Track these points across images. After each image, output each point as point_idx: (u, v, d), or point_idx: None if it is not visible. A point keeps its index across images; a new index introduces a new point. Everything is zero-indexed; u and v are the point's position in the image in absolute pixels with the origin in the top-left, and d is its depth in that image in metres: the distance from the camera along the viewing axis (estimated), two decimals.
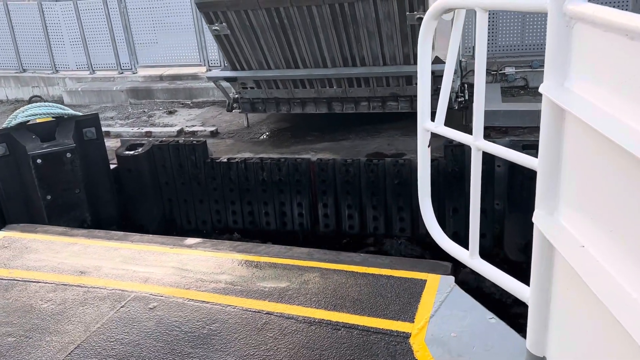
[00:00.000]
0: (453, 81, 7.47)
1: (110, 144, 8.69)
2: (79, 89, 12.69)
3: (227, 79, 8.63)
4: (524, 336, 2.27)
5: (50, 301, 4.19)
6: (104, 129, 9.10)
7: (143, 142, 7.73)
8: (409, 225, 6.82)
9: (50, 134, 6.55)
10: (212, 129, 9.30)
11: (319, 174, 7.01)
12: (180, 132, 9.45)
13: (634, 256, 1.30)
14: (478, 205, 2.31)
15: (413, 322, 3.55)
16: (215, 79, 8.86)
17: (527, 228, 2.04)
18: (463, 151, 6.22)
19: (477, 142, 2.21)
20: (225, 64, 9.04)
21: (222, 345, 3.49)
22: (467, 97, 8.06)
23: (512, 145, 5.30)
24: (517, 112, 8.03)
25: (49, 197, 6.43)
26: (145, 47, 12.49)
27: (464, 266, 2.58)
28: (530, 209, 1.87)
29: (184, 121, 10.19)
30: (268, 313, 3.79)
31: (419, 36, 2.45)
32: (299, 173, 7.06)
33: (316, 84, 8.08)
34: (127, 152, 7.46)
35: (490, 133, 7.23)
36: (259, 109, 8.84)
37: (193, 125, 9.74)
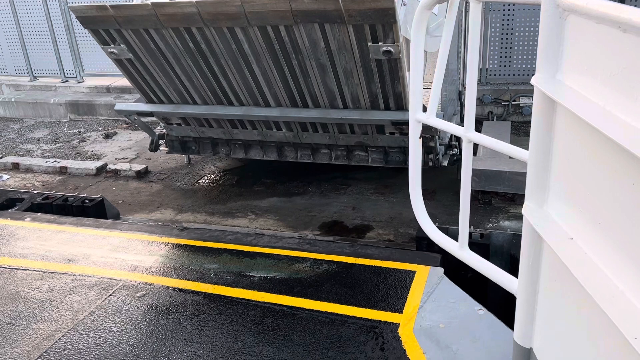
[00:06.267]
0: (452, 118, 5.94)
1: (14, 182, 7.30)
2: (13, 100, 10.82)
3: (141, 114, 6.70)
4: (512, 327, 2.28)
5: (38, 289, 4.16)
6: (14, 159, 7.86)
7: (24, 196, 6.02)
8: None
9: None
10: (141, 167, 7.48)
11: None
12: (101, 169, 7.57)
13: (621, 249, 1.30)
14: (468, 197, 2.31)
15: (402, 312, 3.56)
16: (126, 113, 6.76)
17: None
18: None
19: (468, 134, 2.21)
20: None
21: (211, 336, 3.48)
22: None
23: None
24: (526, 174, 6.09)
25: None
26: (92, 52, 10.67)
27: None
28: None
29: (117, 150, 8.37)
30: (257, 303, 3.79)
31: (412, 26, 2.43)
32: None
33: (259, 125, 6.30)
34: None
35: (491, 200, 5.57)
36: (192, 150, 7.00)
37: (124, 159, 7.97)
